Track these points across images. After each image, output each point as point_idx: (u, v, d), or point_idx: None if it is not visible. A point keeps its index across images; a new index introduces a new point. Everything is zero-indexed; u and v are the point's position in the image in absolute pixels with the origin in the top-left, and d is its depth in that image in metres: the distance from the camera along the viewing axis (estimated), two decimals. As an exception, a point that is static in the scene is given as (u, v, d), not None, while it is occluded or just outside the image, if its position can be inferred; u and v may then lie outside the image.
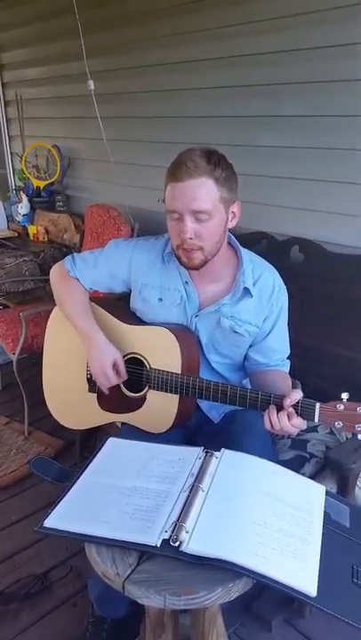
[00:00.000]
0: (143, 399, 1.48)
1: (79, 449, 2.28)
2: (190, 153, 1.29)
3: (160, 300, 1.50)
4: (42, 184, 3.54)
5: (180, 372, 1.40)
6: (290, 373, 1.55)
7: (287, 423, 1.22)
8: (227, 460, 1.18)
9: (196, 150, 1.30)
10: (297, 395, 1.22)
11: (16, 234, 3.56)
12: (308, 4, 1.93)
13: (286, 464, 1.23)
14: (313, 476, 1.52)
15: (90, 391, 1.59)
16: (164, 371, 1.42)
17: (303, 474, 1.41)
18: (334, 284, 1.95)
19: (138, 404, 1.49)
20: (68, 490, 1.13)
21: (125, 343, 1.51)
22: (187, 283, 1.47)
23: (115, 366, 1.45)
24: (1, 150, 4.12)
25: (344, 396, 1.19)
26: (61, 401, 1.69)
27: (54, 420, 1.70)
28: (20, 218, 3.60)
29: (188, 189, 1.28)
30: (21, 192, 3.61)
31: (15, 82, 3.80)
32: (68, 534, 1.02)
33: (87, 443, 2.20)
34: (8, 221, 3.66)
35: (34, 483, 2.21)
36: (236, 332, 1.46)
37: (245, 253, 1.48)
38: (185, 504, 1.04)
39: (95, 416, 1.58)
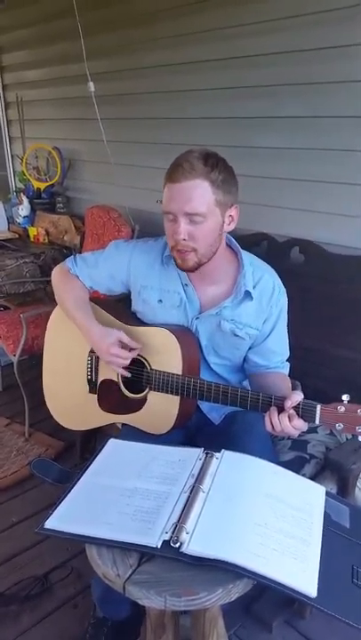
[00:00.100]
0: (144, 400, 1.48)
1: (80, 450, 2.28)
2: (188, 155, 1.29)
3: (160, 301, 1.50)
4: (42, 186, 3.54)
5: (180, 373, 1.40)
6: (290, 375, 1.55)
7: (288, 425, 1.22)
8: (227, 460, 1.18)
9: (195, 152, 1.29)
10: (298, 396, 1.23)
11: (17, 235, 3.56)
12: (307, 6, 1.94)
13: (286, 465, 1.23)
14: (313, 477, 1.52)
15: (90, 392, 1.59)
16: (164, 372, 1.42)
17: (303, 475, 1.41)
18: (335, 284, 1.95)
19: (138, 405, 1.49)
20: (69, 491, 1.13)
21: (126, 344, 1.51)
22: (186, 285, 1.47)
23: (121, 344, 1.44)
24: (1, 152, 4.13)
25: (345, 397, 1.19)
26: (62, 402, 1.69)
27: (55, 421, 1.70)
28: (20, 219, 3.60)
29: (182, 191, 1.28)
30: (22, 194, 3.61)
31: (16, 84, 3.81)
32: (69, 535, 1.02)
33: (88, 444, 2.21)
34: (9, 223, 3.66)
35: (34, 484, 2.21)
36: (237, 336, 1.47)
37: (246, 256, 1.48)
38: (185, 505, 1.04)
39: (96, 417, 1.58)
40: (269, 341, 1.50)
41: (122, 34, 2.79)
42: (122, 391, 1.52)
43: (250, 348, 1.52)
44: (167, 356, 1.42)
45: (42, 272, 3.13)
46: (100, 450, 1.28)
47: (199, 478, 1.11)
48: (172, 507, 1.04)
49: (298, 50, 2.02)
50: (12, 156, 4.09)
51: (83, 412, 1.62)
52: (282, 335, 1.53)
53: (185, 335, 1.45)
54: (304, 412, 1.23)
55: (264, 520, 1.02)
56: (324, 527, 1.05)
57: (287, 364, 1.55)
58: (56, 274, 1.62)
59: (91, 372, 1.59)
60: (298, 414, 1.23)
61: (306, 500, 1.11)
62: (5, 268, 3.03)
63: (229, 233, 1.43)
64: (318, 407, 1.22)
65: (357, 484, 1.56)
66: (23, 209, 3.57)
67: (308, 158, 2.09)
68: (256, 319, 1.47)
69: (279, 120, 2.16)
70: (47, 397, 1.72)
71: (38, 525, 1.04)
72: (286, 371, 1.54)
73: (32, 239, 3.45)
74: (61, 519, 1.05)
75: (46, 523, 1.04)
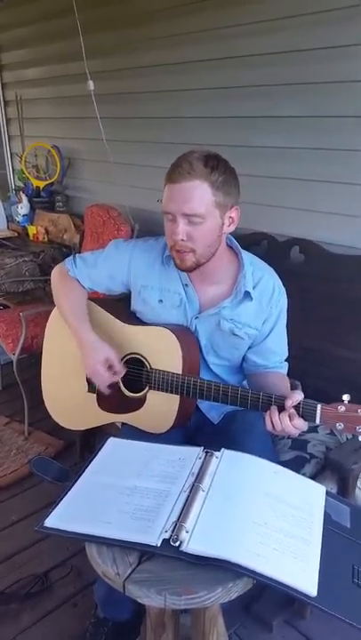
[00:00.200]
0: (143, 399, 1.48)
1: (79, 449, 2.28)
2: (189, 155, 1.29)
3: (160, 301, 1.50)
4: (41, 184, 3.54)
5: (180, 372, 1.40)
6: (289, 374, 1.55)
7: (288, 424, 1.22)
8: (227, 459, 1.18)
9: (196, 153, 1.29)
10: (298, 396, 1.23)
11: (16, 234, 3.56)
12: (306, 6, 1.93)
13: (286, 464, 1.24)
14: (313, 477, 1.52)
15: (89, 391, 1.59)
16: (164, 371, 1.41)
17: (303, 474, 1.41)
18: (335, 284, 1.95)
19: (138, 404, 1.49)
20: (69, 489, 1.13)
21: (126, 343, 1.51)
22: (186, 285, 1.47)
23: (108, 364, 1.44)
24: (1, 150, 4.12)
25: (345, 397, 1.19)
26: (61, 402, 1.69)
27: (54, 420, 1.70)
28: (19, 218, 3.60)
29: (182, 191, 1.28)
30: (21, 192, 3.61)
31: (15, 82, 3.81)
32: (69, 534, 1.02)
33: (87, 443, 2.20)
34: (8, 221, 3.66)
35: (34, 483, 2.21)
36: (236, 335, 1.47)
37: (246, 256, 1.48)
38: (185, 504, 1.04)
39: (95, 416, 1.58)
40: (269, 341, 1.50)
41: (121, 33, 2.79)
42: (121, 390, 1.52)
43: (249, 348, 1.52)
44: (167, 356, 1.42)
45: (41, 271, 3.13)
46: (100, 448, 1.28)
47: (199, 477, 1.11)
48: (172, 505, 1.04)
49: (297, 50, 2.01)
50: (11, 155, 4.09)
51: (82, 412, 1.61)
52: (281, 335, 1.53)
53: (185, 335, 1.45)
54: (304, 411, 1.23)
55: (264, 519, 1.02)
56: (324, 527, 1.05)
57: (286, 364, 1.55)
58: (55, 275, 1.62)
59: (90, 371, 1.59)
60: (298, 413, 1.23)
61: (306, 499, 1.11)
62: (5, 266, 3.03)
63: (230, 233, 1.42)
64: (319, 406, 1.22)
65: (358, 483, 1.56)
66: (22, 207, 3.57)
67: (308, 158, 2.09)
68: (255, 319, 1.47)
69: (278, 120, 2.16)
70: (46, 397, 1.72)
71: (38, 524, 1.04)
72: (285, 371, 1.54)
73: (31, 238, 3.45)
74: (61, 518, 1.05)
75: (46, 521, 1.04)
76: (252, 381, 1.53)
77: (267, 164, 2.23)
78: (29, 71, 3.62)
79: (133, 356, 1.50)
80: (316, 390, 1.27)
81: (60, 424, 1.69)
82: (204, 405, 1.56)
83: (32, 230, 3.44)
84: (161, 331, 1.44)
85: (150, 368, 1.45)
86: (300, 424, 1.23)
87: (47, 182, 3.53)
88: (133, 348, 1.50)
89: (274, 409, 1.25)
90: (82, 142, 3.29)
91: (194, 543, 0.95)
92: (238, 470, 1.15)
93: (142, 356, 1.47)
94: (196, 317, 1.48)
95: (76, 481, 1.15)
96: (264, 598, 1.64)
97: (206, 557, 0.94)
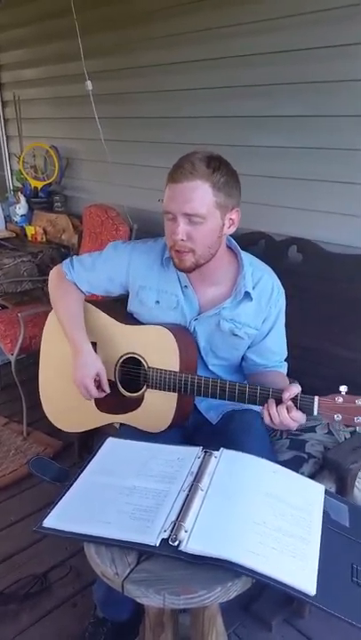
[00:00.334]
0: (141, 399, 1.48)
1: (78, 449, 2.28)
2: (191, 156, 1.29)
3: (157, 302, 1.50)
4: (40, 184, 3.53)
5: (177, 370, 1.40)
6: (288, 374, 1.55)
7: (286, 416, 1.23)
8: (226, 459, 1.18)
9: (198, 153, 1.30)
10: (295, 388, 1.23)
11: (14, 234, 3.55)
12: (306, 5, 1.93)
13: (285, 464, 1.23)
14: (311, 477, 1.51)
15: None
16: (162, 369, 1.41)
17: (302, 474, 1.41)
18: (333, 283, 1.95)
19: (136, 403, 1.48)
20: (67, 490, 1.13)
21: (123, 343, 1.51)
22: (186, 287, 1.47)
23: (97, 380, 1.46)
24: (-1, 151, 4.13)
25: (343, 388, 1.20)
26: (58, 404, 1.68)
27: (52, 423, 1.70)
28: (17, 218, 3.59)
29: (183, 191, 1.28)
30: (19, 193, 3.61)
31: (13, 82, 3.80)
32: (68, 534, 1.02)
33: (86, 443, 2.20)
34: (6, 222, 3.66)
35: (33, 483, 2.21)
36: (236, 335, 1.47)
37: (245, 256, 1.48)
38: (184, 503, 1.04)
39: (93, 418, 1.58)
40: (268, 341, 1.50)
41: (120, 33, 2.79)
42: (119, 391, 1.52)
43: (248, 348, 1.52)
44: (164, 354, 1.42)
45: (39, 271, 3.13)
46: (99, 448, 1.28)
47: (198, 477, 1.11)
48: (171, 505, 1.04)
49: (297, 49, 2.02)
50: (9, 155, 4.08)
51: (80, 413, 1.61)
52: (280, 335, 1.53)
53: (182, 333, 1.45)
54: (302, 403, 1.24)
55: (263, 518, 1.02)
56: (323, 526, 1.05)
57: (285, 364, 1.56)
58: (52, 279, 1.61)
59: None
60: (296, 406, 1.24)
61: (305, 498, 1.11)
62: (3, 267, 3.03)
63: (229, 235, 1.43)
64: (316, 398, 1.23)
65: (356, 483, 1.56)
66: (21, 208, 3.56)
67: (306, 157, 2.09)
68: (255, 319, 1.47)
69: (277, 119, 2.17)
70: (43, 399, 1.71)
71: (37, 524, 1.04)
72: (284, 370, 1.55)
73: (30, 238, 3.45)
74: (60, 518, 1.05)
75: (45, 521, 1.04)
76: (252, 381, 1.53)
77: (266, 163, 2.23)
78: (27, 71, 3.62)
79: (130, 355, 1.50)
80: (313, 390, 1.27)
81: (58, 427, 1.68)
82: (202, 405, 1.56)
83: (30, 230, 3.44)
84: (158, 329, 1.44)
85: (147, 367, 1.45)
86: (298, 416, 1.23)
87: (45, 182, 3.52)
88: (130, 348, 1.50)
89: (271, 402, 1.26)
90: (80, 142, 3.29)
91: (193, 543, 0.95)
92: (237, 470, 1.15)
93: (139, 356, 1.47)
94: (196, 319, 1.48)
95: (74, 481, 1.15)
96: (263, 597, 1.64)
97: (205, 557, 0.94)
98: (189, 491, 1.07)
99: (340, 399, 1.20)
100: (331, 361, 1.92)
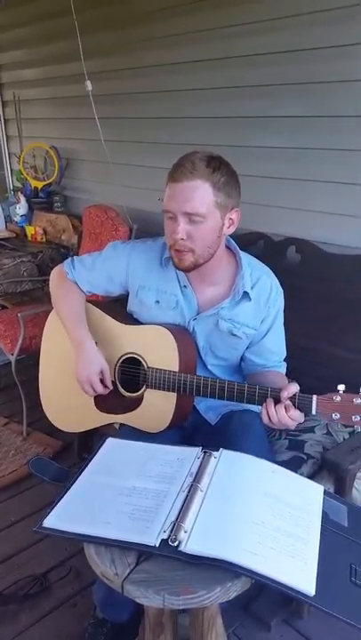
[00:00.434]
0: (141, 399, 1.48)
1: (77, 449, 2.28)
2: (192, 155, 1.30)
3: (157, 302, 1.50)
4: (40, 185, 3.53)
5: (177, 370, 1.40)
6: (286, 374, 1.55)
7: (285, 415, 1.23)
8: (225, 459, 1.18)
9: (199, 153, 1.30)
10: (294, 387, 1.24)
11: (14, 234, 3.55)
12: (307, 5, 1.93)
13: (284, 465, 1.24)
14: (310, 477, 1.52)
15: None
16: (161, 369, 1.42)
17: (301, 474, 1.41)
18: (331, 283, 1.95)
19: (135, 403, 1.49)
20: (67, 490, 1.13)
21: (123, 343, 1.51)
22: (185, 287, 1.47)
23: (101, 376, 1.46)
24: (-1, 151, 4.13)
25: (340, 387, 1.20)
26: (58, 404, 1.68)
27: (52, 424, 1.70)
28: (17, 218, 3.59)
29: (183, 190, 1.28)
30: (19, 193, 3.61)
31: (13, 82, 3.80)
32: (67, 534, 1.03)
33: (85, 443, 2.20)
34: (6, 222, 3.66)
35: (33, 483, 2.21)
36: (234, 335, 1.47)
37: (244, 257, 1.48)
38: (183, 504, 1.04)
39: (93, 418, 1.58)
40: (267, 341, 1.51)
41: (120, 33, 2.79)
42: (119, 391, 1.53)
43: (247, 348, 1.52)
44: (164, 354, 1.42)
45: (39, 271, 3.13)
46: (99, 449, 1.28)
47: (197, 477, 1.11)
48: (171, 505, 1.04)
49: (297, 49, 2.01)
50: (9, 155, 4.08)
51: (80, 413, 1.61)
52: (279, 335, 1.54)
53: (182, 333, 1.46)
54: (300, 402, 1.24)
55: (262, 519, 1.02)
56: (322, 526, 1.05)
57: (284, 364, 1.56)
58: (53, 279, 1.62)
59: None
60: (294, 405, 1.24)
61: (304, 498, 1.12)
62: (3, 267, 3.03)
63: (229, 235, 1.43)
64: (314, 397, 1.23)
65: (354, 484, 1.56)
66: (21, 208, 3.56)
67: (305, 158, 2.09)
68: (254, 319, 1.47)
69: (277, 119, 2.16)
70: (43, 399, 1.71)
71: (37, 524, 1.04)
72: (283, 370, 1.55)
73: (29, 238, 3.45)
74: (60, 518, 1.05)
75: (44, 522, 1.04)
76: (251, 381, 1.53)
77: (264, 163, 2.23)
78: (27, 72, 3.62)
79: (130, 355, 1.50)
80: (312, 390, 1.28)
81: (58, 427, 1.69)
82: (201, 406, 1.56)
83: (30, 231, 3.44)
84: (157, 329, 1.45)
85: (147, 367, 1.45)
86: (297, 415, 1.24)
87: (45, 183, 3.52)
88: (130, 348, 1.50)
89: (270, 401, 1.26)
90: (80, 143, 3.29)
91: (192, 543, 0.96)
92: (236, 470, 1.15)
93: (139, 356, 1.48)
94: (195, 319, 1.48)
95: (74, 481, 1.15)
96: (262, 598, 1.64)
97: (204, 557, 0.94)
98: (189, 491, 1.07)
99: (338, 398, 1.20)
100: (329, 361, 1.92)
